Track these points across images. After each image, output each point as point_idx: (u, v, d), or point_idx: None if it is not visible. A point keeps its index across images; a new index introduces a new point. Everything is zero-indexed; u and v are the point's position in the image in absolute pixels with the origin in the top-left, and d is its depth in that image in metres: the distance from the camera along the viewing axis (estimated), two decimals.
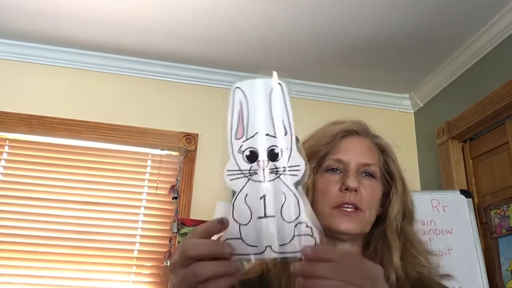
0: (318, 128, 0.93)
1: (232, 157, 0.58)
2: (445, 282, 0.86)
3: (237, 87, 0.61)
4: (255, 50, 2.43)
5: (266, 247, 0.54)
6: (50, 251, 2.24)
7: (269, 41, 2.34)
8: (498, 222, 2.05)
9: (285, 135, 0.58)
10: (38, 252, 2.22)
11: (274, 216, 0.55)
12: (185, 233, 2.22)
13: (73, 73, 2.53)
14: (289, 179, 0.56)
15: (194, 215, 2.35)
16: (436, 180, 2.51)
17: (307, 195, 0.83)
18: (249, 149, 0.58)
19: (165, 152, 2.50)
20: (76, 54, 2.51)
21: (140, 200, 2.42)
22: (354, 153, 0.86)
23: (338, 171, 0.86)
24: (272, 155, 0.57)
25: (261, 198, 0.56)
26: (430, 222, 2.04)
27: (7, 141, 2.39)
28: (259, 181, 0.57)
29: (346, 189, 0.83)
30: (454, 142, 2.41)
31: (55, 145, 2.43)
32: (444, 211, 2.09)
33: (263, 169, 0.57)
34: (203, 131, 2.53)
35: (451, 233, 2.03)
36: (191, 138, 2.51)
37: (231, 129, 0.59)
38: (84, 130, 2.42)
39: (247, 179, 0.57)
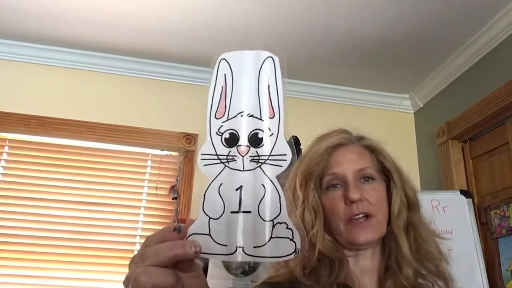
0: (307, 148, 0.95)
1: (209, 138, 0.51)
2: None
3: (223, 59, 0.53)
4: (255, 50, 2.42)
5: (237, 247, 0.46)
6: (50, 251, 2.24)
7: (269, 41, 2.34)
8: (498, 223, 2.05)
9: (272, 117, 0.50)
10: (37, 252, 2.22)
11: (250, 212, 0.47)
12: None
13: (73, 73, 2.52)
14: (271, 170, 0.48)
15: (194, 215, 2.34)
16: (436, 180, 2.50)
17: (316, 218, 0.85)
18: (229, 131, 0.50)
19: (165, 153, 2.50)
20: (76, 54, 2.50)
21: (140, 200, 2.42)
22: (345, 164, 0.88)
23: (338, 186, 0.88)
24: (255, 140, 0.49)
25: (237, 189, 0.48)
26: (430, 222, 2.01)
27: (7, 141, 2.39)
28: (237, 170, 0.49)
29: (352, 201, 0.84)
30: (454, 142, 2.41)
31: (54, 145, 2.42)
32: (444, 211, 2.08)
33: (243, 156, 0.49)
34: (203, 131, 2.52)
35: (451, 234, 2.02)
36: (191, 138, 2.51)
37: (211, 106, 0.52)
38: (84, 130, 2.41)
39: (223, 166, 0.49)
